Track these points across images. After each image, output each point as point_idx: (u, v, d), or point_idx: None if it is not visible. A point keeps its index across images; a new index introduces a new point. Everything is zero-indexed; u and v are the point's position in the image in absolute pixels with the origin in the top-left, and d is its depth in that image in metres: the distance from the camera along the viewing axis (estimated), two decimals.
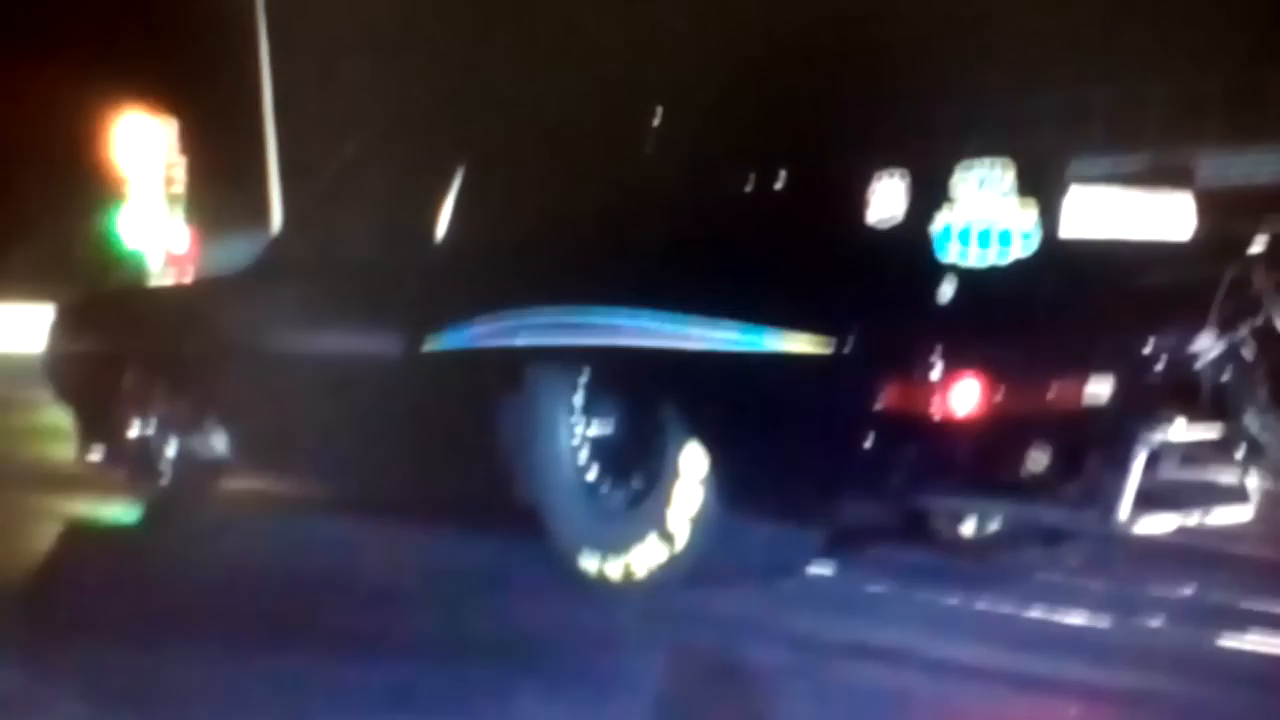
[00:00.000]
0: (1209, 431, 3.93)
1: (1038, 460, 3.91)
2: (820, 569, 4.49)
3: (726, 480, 4.07)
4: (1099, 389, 3.88)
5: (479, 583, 4.68)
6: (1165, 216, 4.23)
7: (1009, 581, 4.43)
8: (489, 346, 4.58)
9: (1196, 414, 3.94)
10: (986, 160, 3.76)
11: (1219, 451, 3.98)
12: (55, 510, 6.69)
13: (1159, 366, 3.99)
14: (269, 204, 24.80)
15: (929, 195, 3.72)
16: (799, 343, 3.80)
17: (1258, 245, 3.98)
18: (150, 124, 26.20)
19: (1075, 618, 3.99)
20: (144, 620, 4.30)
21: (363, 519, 5.77)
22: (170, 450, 6.19)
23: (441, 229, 4.92)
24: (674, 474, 4.15)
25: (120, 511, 6.44)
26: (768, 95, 4.67)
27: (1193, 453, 4.01)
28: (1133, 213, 4.17)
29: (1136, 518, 3.67)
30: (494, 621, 4.22)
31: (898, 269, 3.78)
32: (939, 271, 3.69)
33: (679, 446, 4.14)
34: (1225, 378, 3.99)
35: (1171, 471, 4.04)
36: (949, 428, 3.68)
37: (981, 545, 4.74)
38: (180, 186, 26.17)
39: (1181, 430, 3.86)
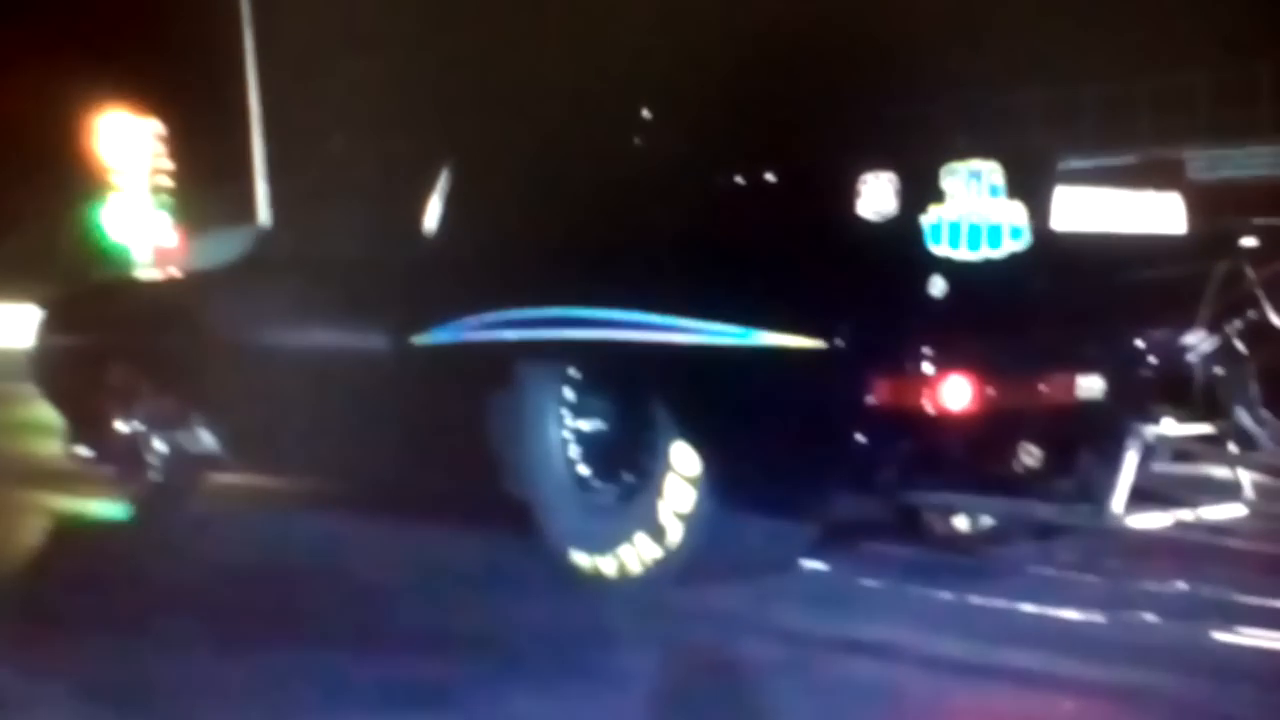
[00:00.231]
0: (1201, 426, 3.93)
1: (1030, 455, 3.91)
2: (813, 564, 4.49)
3: (718, 476, 4.06)
4: (1091, 384, 3.89)
5: (469, 578, 4.67)
6: (1154, 214, 4.23)
7: (1002, 577, 4.43)
8: (479, 341, 4.57)
9: (1189, 409, 3.95)
10: (976, 156, 3.76)
11: (1211, 446, 3.98)
12: (43, 506, 6.68)
13: (1151, 362, 4.00)
14: (255, 199, 24.74)
15: (919, 191, 3.71)
16: (790, 338, 3.79)
17: (1248, 240, 3.99)
18: (135, 120, 26.14)
19: (1068, 613, 3.99)
20: (132, 615, 4.30)
21: (352, 514, 5.76)
22: (158, 446, 6.17)
23: (430, 224, 4.91)
24: (665, 469, 4.14)
25: (108, 507, 6.42)
26: (758, 91, 4.67)
27: (1185, 448, 4.02)
28: (1122, 210, 4.18)
29: (1129, 513, 3.68)
30: (485, 617, 4.21)
31: (889, 264, 3.77)
32: (930, 267, 3.68)
33: (670, 442, 4.13)
34: (1217, 373, 4.00)
35: (1164, 466, 4.05)
36: (941, 423, 3.68)
37: (974, 540, 4.74)
38: (166, 182, 26.13)
39: (1174, 425, 3.86)
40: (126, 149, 26.12)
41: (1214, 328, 3.97)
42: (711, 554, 4.16)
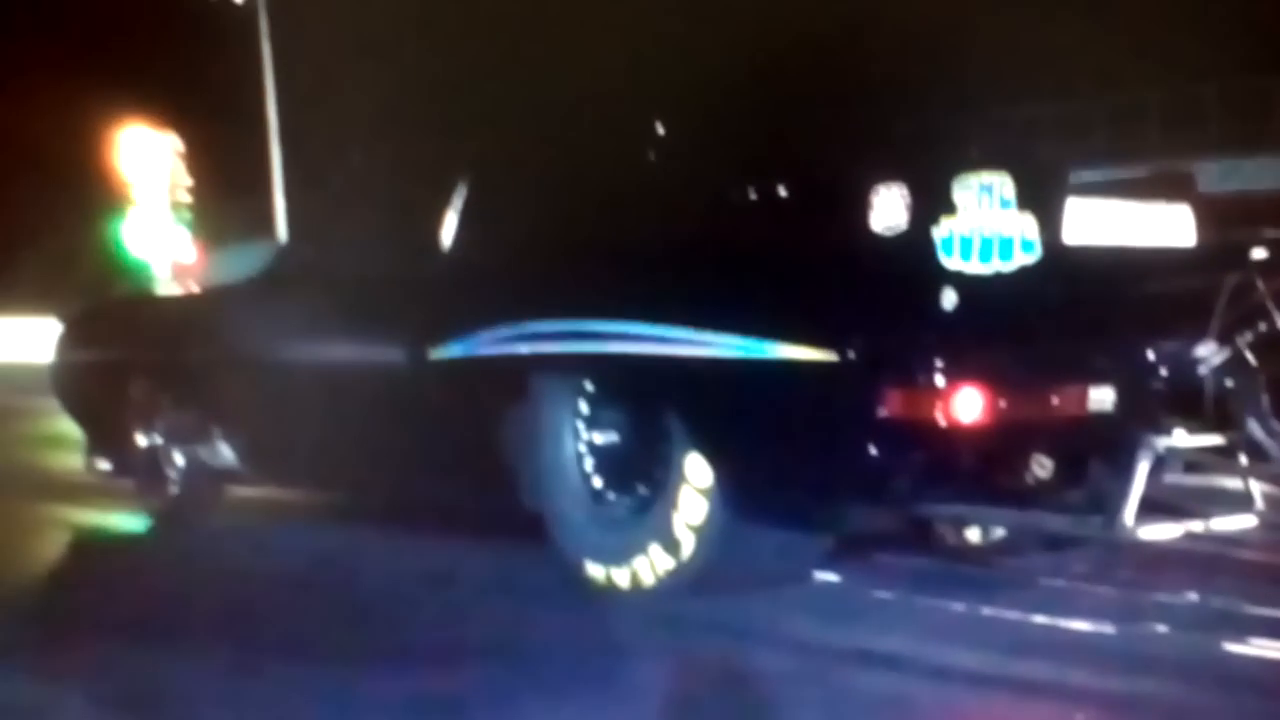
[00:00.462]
0: (1212, 438, 3.94)
1: (1042, 467, 3.93)
2: (825, 575, 4.50)
3: (732, 487, 4.09)
4: (1102, 396, 3.90)
5: (484, 589, 4.70)
6: (1165, 226, 4.25)
7: (1014, 588, 4.44)
8: (495, 355, 4.60)
9: (1200, 421, 3.96)
10: (988, 169, 3.78)
11: (1222, 458, 3.99)
12: (64, 519, 6.72)
13: (1162, 373, 4.01)
14: (274, 214, 24.82)
15: (931, 204, 3.73)
16: (803, 350, 3.81)
17: (1259, 252, 4.00)
18: (155, 136, 26.24)
19: (1080, 624, 4.00)
20: (150, 627, 4.33)
21: (368, 527, 5.79)
22: (178, 459, 6.21)
23: (447, 238, 4.94)
24: (679, 481, 4.17)
25: (128, 520, 6.46)
26: (772, 105, 4.69)
27: (1196, 459, 4.03)
28: (1133, 222, 4.19)
29: (1140, 524, 3.68)
30: (499, 628, 4.23)
31: (901, 277, 3.79)
32: (942, 280, 3.70)
33: (684, 454, 4.16)
34: (1228, 384, 4.01)
35: (1175, 478, 4.06)
36: (953, 435, 3.70)
37: (986, 551, 4.75)
38: (185, 197, 26.22)
39: (1185, 437, 3.87)
40: (146, 164, 26.22)
41: (1225, 339, 3.98)
42: (724, 565, 4.19)
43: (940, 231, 3.71)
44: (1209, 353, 4.00)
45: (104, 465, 6.66)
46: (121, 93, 26.97)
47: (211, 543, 5.99)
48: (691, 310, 4.06)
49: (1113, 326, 3.94)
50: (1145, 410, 3.91)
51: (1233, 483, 4.06)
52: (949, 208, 3.71)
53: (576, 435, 4.55)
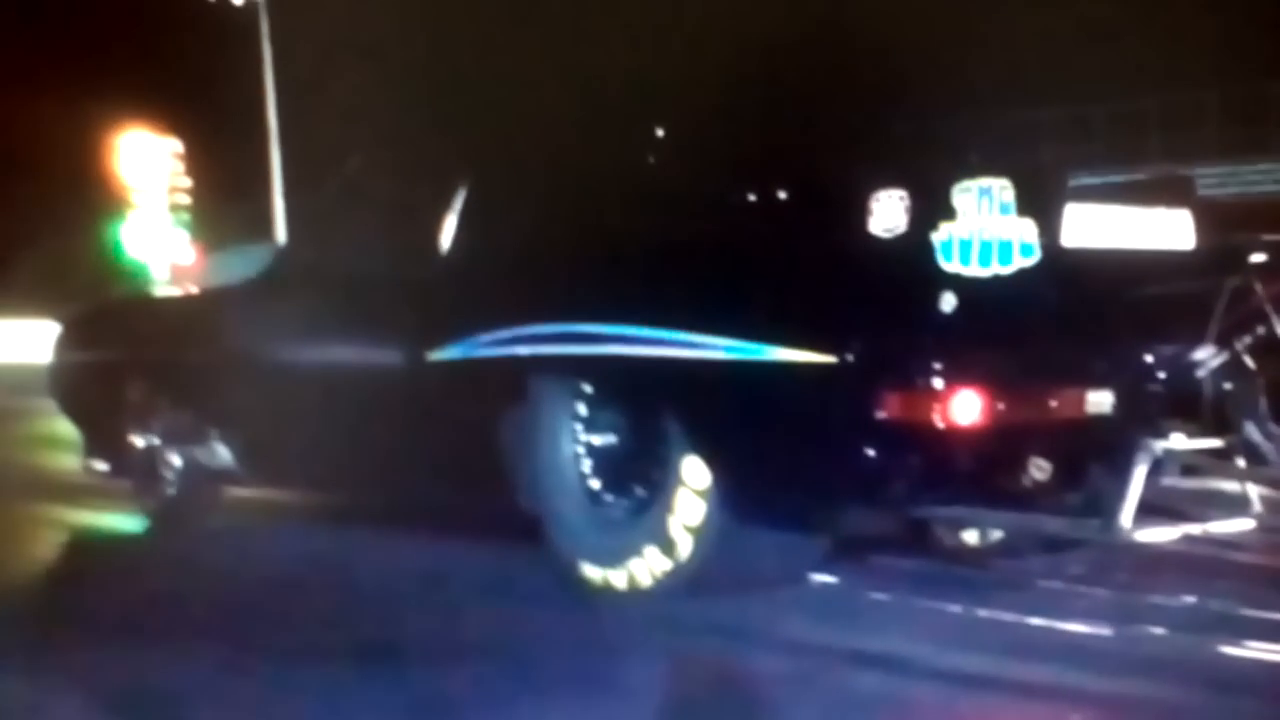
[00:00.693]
0: (1210, 441, 3.94)
1: (1040, 469, 3.93)
2: (823, 577, 4.50)
3: (729, 489, 4.09)
4: (1100, 399, 3.90)
5: (480, 590, 4.70)
6: (1164, 230, 4.26)
7: (1011, 590, 4.44)
8: (492, 357, 4.60)
9: (1198, 424, 3.96)
10: (987, 173, 3.78)
11: (1220, 461, 3.99)
12: (61, 520, 6.72)
13: (1160, 377, 4.01)
14: (273, 216, 24.84)
15: (931, 208, 3.73)
16: (802, 353, 3.82)
17: (1258, 256, 4.00)
18: (154, 139, 26.28)
19: (1077, 626, 4.00)
20: (146, 628, 4.33)
21: (364, 528, 5.79)
22: (174, 460, 6.20)
23: (446, 240, 4.94)
24: (677, 483, 4.17)
25: (124, 521, 6.46)
26: (771, 109, 4.69)
27: (1194, 462, 4.03)
28: (1132, 226, 4.20)
29: (1138, 527, 3.69)
30: (495, 629, 4.23)
31: (900, 280, 3.79)
32: (941, 283, 3.70)
33: (681, 456, 4.16)
34: (1226, 388, 4.01)
35: (1173, 481, 4.06)
36: (951, 437, 3.70)
37: (983, 553, 4.75)
38: (184, 200, 26.25)
39: (1182, 440, 3.88)
40: (145, 167, 26.27)
41: (1223, 343, 3.99)
42: (721, 567, 4.19)
43: (939, 235, 3.71)
44: (1207, 356, 4.00)
45: (101, 466, 6.66)
46: (120, 95, 26.99)
47: (208, 543, 5.98)
48: (690, 313, 4.06)
49: (1111, 330, 3.95)
50: (1143, 413, 3.92)
51: (1230, 486, 4.07)
52: (948, 211, 3.72)
53: (574, 437, 4.55)
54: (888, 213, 3.78)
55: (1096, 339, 3.93)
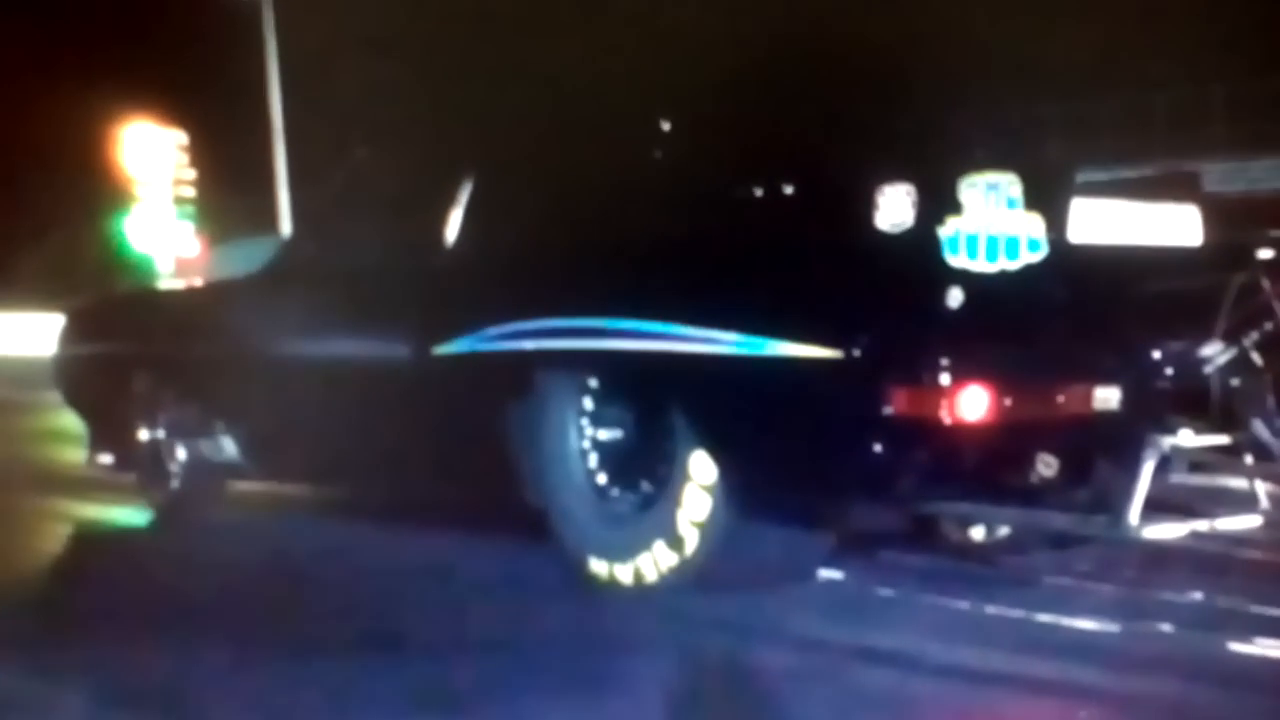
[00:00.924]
0: (1218, 438, 3.93)
1: (1047, 465, 3.92)
2: (830, 573, 4.50)
3: (736, 485, 4.09)
4: (1108, 395, 3.89)
5: (486, 585, 4.69)
6: (1171, 226, 4.25)
7: (1018, 586, 4.44)
8: (499, 351, 4.60)
9: (1205, 420, 3.95)
10: (994, 168, 3.77)
11: (1228, 458, 3.99)
12: (66, 513, 6.73)
13: (1168, 373, 4.00)
14: (278, 209, 24.85)
15: (937, 203, 3.72)
16: (808, 348, 3.81)
17: (1265, 252, 4.00)
18: (159, 131, 26.28)
19: (1084, 622, 3.99)
20: (150, 621, 4.33)
21: (372, 522, 5.79)
22: (180, 454, 6.21)
23: (452, 233, 4.94)
24: (684, 478, 4.16)
25: (129, 514, 6.46)
26: (778, 103, 4.68)
27: (1201, 459, 4.02)
28: (1139, 222, 4.19)
29: (1145, 523, 3.68)
30: (500, 623, 4.23)
31: (907, 275, 3.79)
32: (948, 278, 3.69)
33: (688, 451, 4.15)
34: (1234, 384, 4.00)
35: (1180, 477, 4.05)
36: (958, 433, 3.69)
37: (990, 550, 4.75)
38: (189, 192, 26.26)
39: (1190, 436, 3.87)
40: (150, 160, 26.26)
41: (1230, 339, 3.98)
42: (728, 562, 4.18)
43: (946, 230, 3.71)
44: (1215, 352, 3.99)
45: (106, 459, 6.67)
46: (125, 87, 27.00)
47: (213, 537, 5.99)
48: (697, 307, 4.05)
49: (1118, 326, 3.94)
50: (1151, 409, 3.90)
51: (1238, 482, 4.06)
52: (955, 206, 3.71)
53: (580, 431, 4.55)
54: (894, 207, 3.78)
55: (1104, 335, 3.92)
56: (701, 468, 4.12)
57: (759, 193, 4.30)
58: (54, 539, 6.33)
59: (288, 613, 4.41)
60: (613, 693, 3.54)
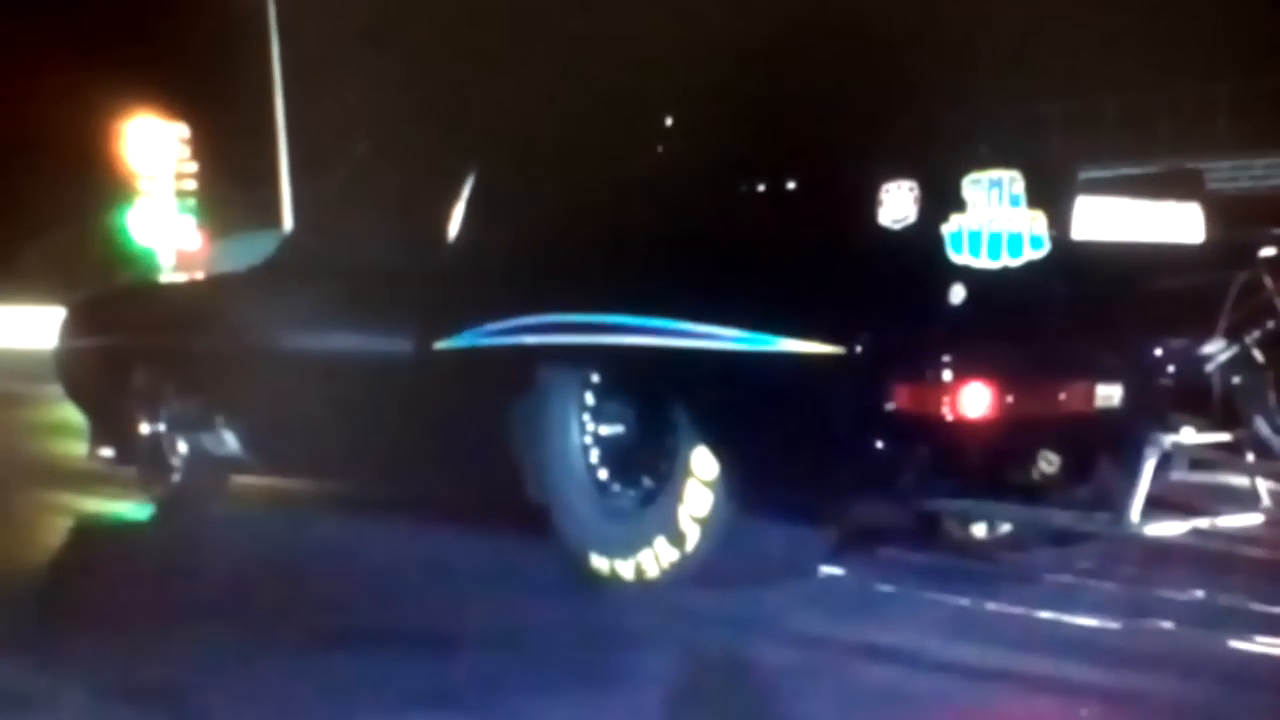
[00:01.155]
0: (1219, 435, 3.94)
1: (1048, 462, 3.92)
2: (831, 569, 4.50)
3: (738, 481, 4.08)
4: (1109, 392, 3.89)
5: (488, 580, 4.69)
6: (1174, 223, 4.25)
7: (1020, 583, 4.44)
8: (501, 346, 4.59)
9: (1207, 418, 3.95)
10: (998, 166, 3.77)
11: (1229, 455, 3.99)
12: (67, 506, 6.72)
13: (1169, 370, 4.00)
14: (280, 203, 24.85)
15: (941, 200, 3.73)
16: (811, 344, 3.81)
17: (1267, 250, 3.99)
18: (161, 125, 26.28)
19: (1085, 619, 3.99)
20: (152, 615, 4.33)
21: (373, 516, 5.79)
22: (181, 447, 6.21)
23: (454, 228, 4.94)
24: (685, 474, 4.16)
25: (130, 508, 6.46)
26: (781, 99, 4.68)
27: (1203, 456, 4.02)
28: (1142, 219, 4.19)
29: (1146, 521, 3.68)
30: (501, 619, 4.23)
31: (909, 272, 3.79)
32: (950, 275, 3.70)
33: (690, 447, 4.15)
34: (1235, 382, 4.00)
35: (1182, 475, 4.05)
36: (960, 430, 3.70)
37: (991, 547, 4.75)
38: (191, 186, 26.26)
39: (1191, 434, 3.87)
40: (152, 153, 26.25)
41: (1232, 337, 3.98)
42: (729, 558, 4.18)
43: (949, 227, 3.71)
44: (1216, 350, 3.99)
45: (107, 453, 6.66)
46: (127, 80, 27.00)
47: (214, 531, 5.99)
48: (699, 303, 4.05)
49: (1121, 323, 3.94)
50: (1152, 407, 3.91)
51: (1239, 480, 4.07)
52: (958, 203, 3.71)
53: (582, 427, 4.55)
54: (897, 204, 3.78)
55: (1106, 332, 3.93)
56: (703, 463, 4.12)
57: (762, 189, 4.30)
58: (55, 533, 6.33)
59: (288, 607, 4.40)
60: (614, 688, 3.54)
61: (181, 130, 26.61)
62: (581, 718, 3.36)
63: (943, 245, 3.70)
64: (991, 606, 4.18)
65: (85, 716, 3.49)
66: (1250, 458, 3.94)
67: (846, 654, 3.77)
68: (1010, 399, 3.70)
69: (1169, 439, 3.78)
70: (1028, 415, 3.77)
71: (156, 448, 6.30)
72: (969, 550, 4.76)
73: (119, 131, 26.41)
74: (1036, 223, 3.77)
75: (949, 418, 3.67)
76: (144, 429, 6.36)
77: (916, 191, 3.76)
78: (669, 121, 4.66)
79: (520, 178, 4.91)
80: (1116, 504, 3.69)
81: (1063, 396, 3.84)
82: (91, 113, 27.10)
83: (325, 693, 3.52)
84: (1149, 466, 3.69)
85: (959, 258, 3.71)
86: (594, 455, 4.53)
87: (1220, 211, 4.41)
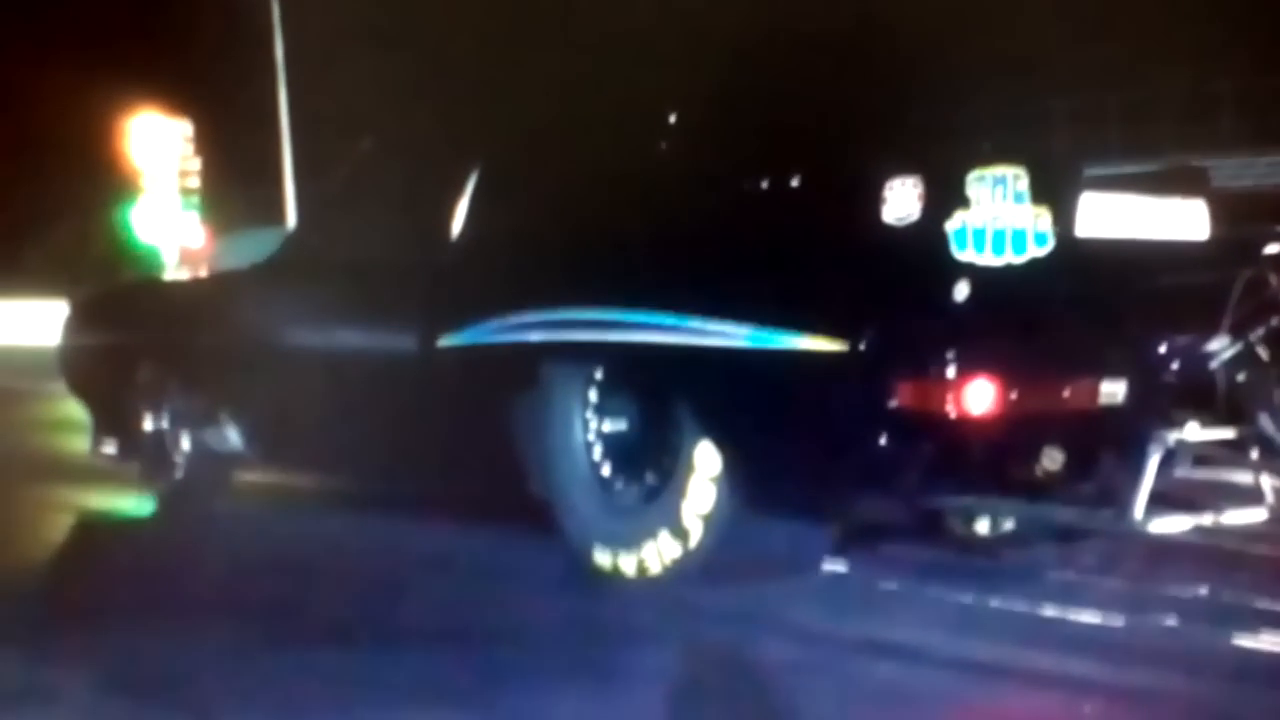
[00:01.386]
0: (1223, 432, 3.93)
1: (1052, 459, 3.92)
2: (834, 566, 4.49)
3: (741, 477, 4.08)
4: (1114, 389, 3.89)
5: (491, 576, 4.70)
6: (1179, 220, 4.24)
7: (1023, 580, 4.43)
8: (504, 343, 4.59)
9: (1211, 415, 3.95)
10: (1002, 162, 3.77)
11: (1233, 452, 3.98)
12: (70, 502, 6.73)
13: (1174, 367, 4.00)
14: (284, 200, 24.85)
15: (945, 196, 3.73)
16: (815, 341, 3.81)
17: (1272, 248, 3.99)
18: (165, 122, 26.27)
19: (1089, 616, 3.99)
20: (154, 610, 4.34)
21: (376, 512, 5.79)
22: (184, 444, 6.21)
23: (458, 225, 4.93)
24: (688, 470, 4.16)
25: (133, 504, 6.46)
26: (785, 96, 4.67)
27: (1207, 453, 4.02)
28: (1147, 216, 4.19)
29: (1151, 517, 3.68)
30: (504, 614, 4.23)
31: (914, 269, 3.78)
32: (955, 272, 3.69)
33: (694, 443, 4.15)
34: (1239, 379, 4.00)
35: (1186, 472, 4.05)
36: (963, 426, 3.69)
37: (995, 543, 4.74)
38: (195, 183, 26.25)
39: (1196, 431, 3.87)
40: (156, 150, 26.25)
41: (1237, 334, 3.98)
42: (732, 554, 4.18)
43: (953, 223, 3.71)
44: (1221, 347, 3.99)
45: (110, 448, 6.66)
46: (131, 77, 27.00)
47: (216, 527, 6.00)
48: (703, 299, 4.05)
49: (1125, 320, 3.94)
50: (1156, 404, 3.91)
51: (1243, 477, 4.06)
52: (963, 200, 3.71)
53: (586, 423, 4.55)
54: (902, 200, 3.78)
55: (1110, 329, 3.92)
56: (706, 459, 4.12)
57: (765, 185, 4.30)
58: (57, 528, 6.34)
59: (291, 602, 4.41)
60: (617, 684, 3.54)
61: (185, 127, 26.59)
62: (584, 713, 3.36)
63: (947, 242, 3.70)
64: (995, 603, 4.18)
65: (87, 711, 3.49)
66: (1254, 454, 3.94)
67: (849, 650, 3.77)
68: (1014, 396, 3.70)
69: (1173, 436, 3.78)
70: (1032, 412, 3.77)
71: (160, 444, 6.30)
72: (972, 547, 4.75)
73: (123, 128, 26.39)
74: (1041, 219, 3.76)
75: (953, 414, 3.66)
76: (147, 425, 6.36)
77: (921, 188, 3.75)
78: (673, 118, 4.65)
79: (524, 174, 4.91)
80: (1120, 501, 3.70)
81: (1067, 393, 3.83)
82: (95, 109, 27.10)
83: (328, 687, 3.52)
84: (1153, 463, 3.69)
85: (963, 254, 3.71)
86: (597, 451, 4.53)
87: (1225, 209, 4.40)
